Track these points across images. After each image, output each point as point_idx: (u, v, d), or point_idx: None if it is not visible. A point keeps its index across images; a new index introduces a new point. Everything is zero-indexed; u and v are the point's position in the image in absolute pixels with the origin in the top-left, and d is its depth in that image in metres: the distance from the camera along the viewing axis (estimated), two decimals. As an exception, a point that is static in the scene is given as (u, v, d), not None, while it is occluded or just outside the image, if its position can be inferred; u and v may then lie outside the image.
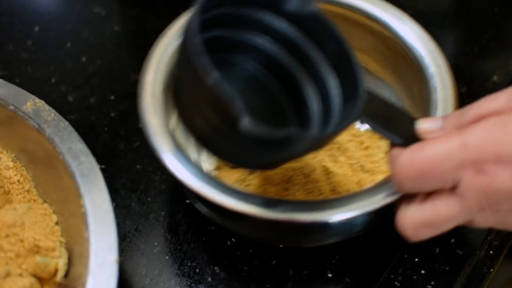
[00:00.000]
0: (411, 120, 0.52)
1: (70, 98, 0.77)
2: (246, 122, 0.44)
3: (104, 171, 0.68)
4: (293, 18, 0.53)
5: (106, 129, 0.74)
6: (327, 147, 0.68)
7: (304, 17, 0.53)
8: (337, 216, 0.54)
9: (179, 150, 0.57)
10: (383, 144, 0.69)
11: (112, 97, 0.77)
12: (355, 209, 0.54)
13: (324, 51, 0.54)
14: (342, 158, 0.68)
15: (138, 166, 0.71)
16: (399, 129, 0.52)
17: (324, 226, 0.57)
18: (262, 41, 0.55)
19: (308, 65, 0.55)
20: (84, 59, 0.80)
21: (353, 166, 0.67)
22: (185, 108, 0.51)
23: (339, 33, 0.52)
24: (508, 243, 0.65)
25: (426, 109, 0.61)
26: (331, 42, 0.52)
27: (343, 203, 0.55)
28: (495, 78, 0.76)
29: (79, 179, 0.55)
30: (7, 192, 0.62)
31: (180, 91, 0.51)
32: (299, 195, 0.65)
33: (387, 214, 0.57)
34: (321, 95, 0.55)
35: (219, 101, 0.45)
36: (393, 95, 0.70)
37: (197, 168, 0.56)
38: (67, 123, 0.60)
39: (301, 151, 0.51)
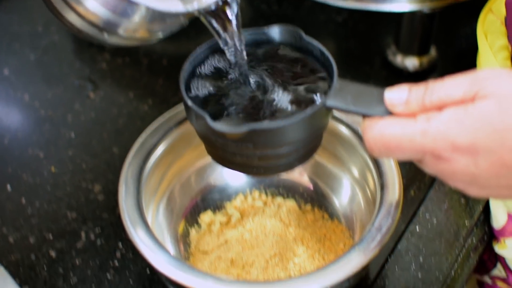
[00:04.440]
0: (380, 93, 0.58)
1: (11, 239, 0.81)
2: (213, 124, 0.59)
3: (43, 309, 0.73)
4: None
5: (45, 267, 0.78)
6: (288, 237, 0.75)
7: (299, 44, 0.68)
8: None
9: (157, 242, 0.66)
10: (344, 235, 0.76)
11: (51, 236, 0.81)
12: (314, 285, 0.62)
13: (316, 59, 0.67)
14: (302, 248, 0.74)
15: (76, 302, 0.75)
16: (369, 103, 0.58)
17: None
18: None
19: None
20: (23, 200, 0.85)
21: (313, 255, 0.74)
22: (205, 145, 0.67)
23: (322, 47, 0.66)
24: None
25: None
26: (320, 54, 0.66)
27: (303, 281, 0.62)
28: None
29: (15, 323, 0.59)
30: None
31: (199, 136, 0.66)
32: (260, 278, 0.72)
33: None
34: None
35: (198, 116, 0.61)
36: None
37: (172, 257, 0.65)
38: (2, 268, 0.64)
39: (284, 141, 0.61)
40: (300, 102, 0.62)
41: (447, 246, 0.76)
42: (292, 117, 0.59)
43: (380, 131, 0.56)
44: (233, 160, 0.65)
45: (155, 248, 0.65)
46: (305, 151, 0.66)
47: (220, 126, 0.60)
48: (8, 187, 0.87)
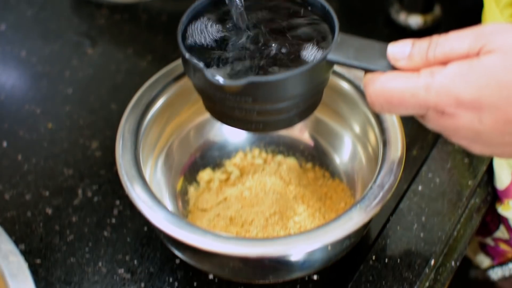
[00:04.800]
0: (382, 47, 0.57)
1: (7, 196, 0.80)
2: (211, 76, 0.58)
3: (39, 266, 0.72)
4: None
5: (41, 224, 0.77)
6: (289, 196, 0.74)
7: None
8: (298, 248, 0.61)
9: (155, 198, 0.64)
10: (345, 194, 0.75)
11: (47, 193, 0.80)
12: (314, 243, 0.61)
13: (317, 14, 0.65)
14: (302, 206, 0.73)
15: (72, 259, 0.74)
16: (371, 57, 0.57)
17: (284, 259, 0.64)
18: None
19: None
20: (20, 157, 0.84)
21: (314, 214, 0.72)
22: (203, 100, 0.66)
23: (323, 1, 0.64)
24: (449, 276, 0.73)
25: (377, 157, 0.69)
26: (321, 9, 0.64)
27: (303, 238, 0.61)
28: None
29: (8, 278, 0.58)
30: None
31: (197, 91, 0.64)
32: (259, 237, 0.71)
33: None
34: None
35: (196, 69, 0.59)
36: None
37: (170, 213, 0.63)
38: (-3, 225, 0.63)
39: (284, 95, 0.59)
40: (301, 56, 0.61)
41: (450, 206, 0.75)
42: (293, 70, 0.58)
43: (382, 85, 0.55)
44: (231, 115, 0.63)
45: (153, 204, 0.64)
46: (305, 107, 0.64)
47: (218, 78, 0.58)
48: (4, 143, 0.85)
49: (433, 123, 0.55)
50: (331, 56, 0.59)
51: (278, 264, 0.65)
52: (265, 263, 0.65)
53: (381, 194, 0.63)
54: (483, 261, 0.92)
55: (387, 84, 0.55)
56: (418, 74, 0.54)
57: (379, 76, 0.56)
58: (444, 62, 0.54)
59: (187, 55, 0.60)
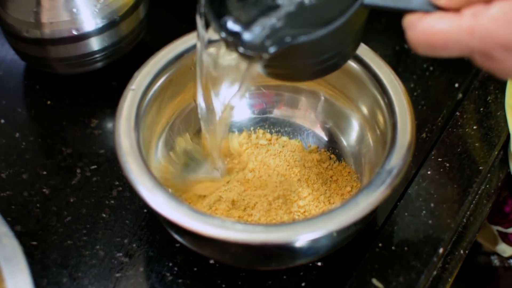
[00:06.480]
0: None
1: (3, 175, 0.78)
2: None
3: (35, 248, 0.70)
4: None
5: (38, 205, 0.75)
6: (293, 178, 0.72)
7: None
8: (302, 235, 0.59)
9: (155, 180, 0.62)
10: (351, 178, 0.73)
11: (44, 173, 0.78)
12: (319, 230, 0.59)
13: None
14: (307, 190, 0.71)
15: (69, 242, 0.72)
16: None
17: (288, 246, 0.62)
18: None
19: None
20: (17, 135, 0.82)
21: (319, 198, 0.71)
22: None
23: None
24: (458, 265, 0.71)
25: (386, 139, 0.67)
26: None
27: (307, 224, 0.59)
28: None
29: (1, 262, 0.56)
30: None
31: None
32: (262, 221, 0.69)
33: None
34: None
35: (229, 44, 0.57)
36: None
37: (170, 196, 0.61)
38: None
39: (325, 49, 0.58)
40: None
41: (460, 192, 0.72)
42: (330, 25, 0.55)
43: (424, 28, 0.52)
44: (277, 73, 0.62)
45: (152, 187, 0.62)
46: (347, 52, 0.62)
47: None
48: (2, 120, 0.83)
49: (480, 65, 0.53)
50: (368, 0, 0.56)
51: (281, 251, 0.63)
52: (268, 250, 0.63)
53: (388, 179, 0.61)
54: (505, 250, 0.90)
55: (430, 27, 0.52)
56: (460, 16, 0.51)
57: (420, 18, 0.53)
58: (487, 1, 0.51)
59: (223, 34, 0.57)
